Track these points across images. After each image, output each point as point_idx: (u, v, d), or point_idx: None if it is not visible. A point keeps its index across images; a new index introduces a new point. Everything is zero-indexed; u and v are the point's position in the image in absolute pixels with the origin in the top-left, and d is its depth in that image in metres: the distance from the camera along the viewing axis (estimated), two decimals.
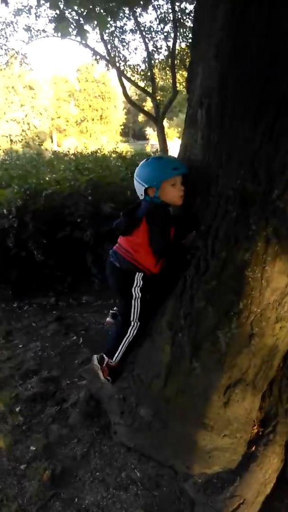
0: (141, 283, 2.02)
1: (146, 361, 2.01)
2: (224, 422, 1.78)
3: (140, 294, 2.03)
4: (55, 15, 2.63)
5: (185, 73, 14.22)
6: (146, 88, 15.92)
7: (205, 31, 2.00)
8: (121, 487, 1.90)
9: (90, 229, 4.55)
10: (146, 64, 14.55)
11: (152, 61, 14.46)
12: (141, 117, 34.10)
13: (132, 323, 2.07)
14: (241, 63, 1.75)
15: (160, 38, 14.36)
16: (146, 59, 14.28)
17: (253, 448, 1.75)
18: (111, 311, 2.31)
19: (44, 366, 2.98)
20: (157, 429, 1.89)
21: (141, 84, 16.12)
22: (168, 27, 13.47)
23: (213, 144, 1.89)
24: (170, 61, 13.86)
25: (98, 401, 2.29)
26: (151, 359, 1.98)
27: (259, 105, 1.71)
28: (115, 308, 2.32)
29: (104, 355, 2.18)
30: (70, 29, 3.72)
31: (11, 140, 27.01)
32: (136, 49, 22.41)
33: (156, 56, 14.65)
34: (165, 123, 19.19)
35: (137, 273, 2.00)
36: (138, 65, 15.37)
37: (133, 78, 15.64)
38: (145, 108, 19.23)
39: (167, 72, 15.48)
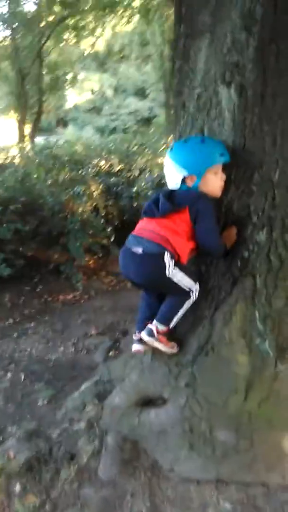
0: (172, 262, 1.67)
1: (214, 379, 1.76)
2: None
3: (175, 271, 1.68)
4: None
5: None
6: None
7: (209, 1, 1.80)
8: None
9: None
10: None
11: None
12: None
13: (193, 289, 1.76)
14: (285, 36, 1.62)
15: None
16: None
17: None
18: (134, 337, 1.92)
19: (4, 421, 2.33)
20: (245, 449, 1.70)
21: None
22: None
23: (252, 128, 1.72)
24: None
25: (135, 441, 1.92)
26: (220, 375, 1.75)
27: None
28: (137, 333, 1.93)
29: (150, 326, 1.80)
30: None
31: None
32: None
33: None
34: None
35: (165, 252, 1.66)
36: None
37: None
38: None
39: None
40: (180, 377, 1.84)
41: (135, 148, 6.91)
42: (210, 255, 1.80)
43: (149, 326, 1.79)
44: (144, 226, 1.76)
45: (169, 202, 1.68)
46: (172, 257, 1.67)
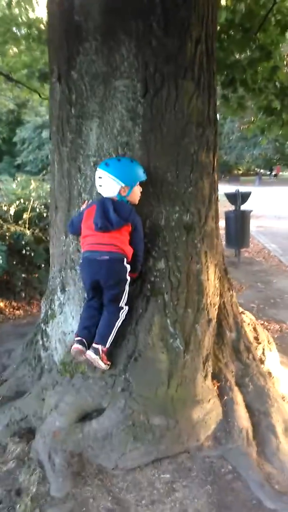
0: (129, 266, 2.27)
1: (144, 379, 2.27)
2: (207, 390, 2.45)
3: (129, 278, 2.28)
4: None
5: None
6: None
7: (96, 95, 2.44)
8: (167, 494, 2.14)
9: None
10: None
11: None
12: None
13: (125, 307, 2.30)
14: (160, 132, 2.40)
15: None
16: None
17: (225, 397, 2.52)
18: (76, 338, 2.25)
19: None
20: (173, 426, 2.27)
21: None
22: None
23: (143, 189, 2.40)
24: None
25: (79, 454, 2.20)
26: (148, 374, 2.28)
27: (176, 166, 2.45)
28: (77, 337, 2.29)
29: (95, 345, 2.23)
30: None
31: None
32: None
33: None
34: None
35: (124, 258, 2.24)
36: None
37: None
38: None
39: None
40: (116, 385, 2.28)
41: None
42: (136, 263, 2.32)
43: (95, 346, 2.19)
44: (99, 240, 2.23)
45: (119, 216, 2.18)
46: (127, 262, 2.22)
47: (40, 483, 2.15)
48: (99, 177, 2.28)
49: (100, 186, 2.29)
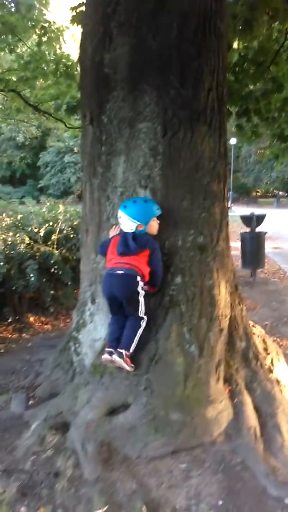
0: (142, 282, 2.64)
1: (164, 379, 2.63)
2: (219, 392, 2.78)
3: (143, 291, 2.65)
4: None
5: None
6: None
7: (123, 136, 2.88)
8: (184, 480, 2.45)
9: None
10: None
11: None
12: None
13: (144, 317, 2.67)
14: (178, 167, 2.82)
15: None
16: None
17: (236, 399, 2.84)
18: (106, 349, 2.63)
19: None
20: (189, 422, 2.60)
21: None
22: None
23: (163, 215, 2.80)
24: None
25: (108, 443, 2.55)
26: (167, 375, 2.63)
27: (191, 195, 2.85)
28: (108, 347, 2.67)
29: (119, 350, 2.60)
30: None
31: None
32: None
33: None
34: None
35: (138, 276, 2.61)
36: None
37: None
38: None
39: None
40: (139, 384, 2.64)
41: None
42: (155, 280, 2.72)
43: (120, 350, 2.58)
44: (119, 260, 2.64)
45: (136, 244, 2.60)
46: (141, 278, 2.61)
47: (75, 467, 2.50)
48: (119, 217, 2.71)
49: (121, 223, 2.73)
